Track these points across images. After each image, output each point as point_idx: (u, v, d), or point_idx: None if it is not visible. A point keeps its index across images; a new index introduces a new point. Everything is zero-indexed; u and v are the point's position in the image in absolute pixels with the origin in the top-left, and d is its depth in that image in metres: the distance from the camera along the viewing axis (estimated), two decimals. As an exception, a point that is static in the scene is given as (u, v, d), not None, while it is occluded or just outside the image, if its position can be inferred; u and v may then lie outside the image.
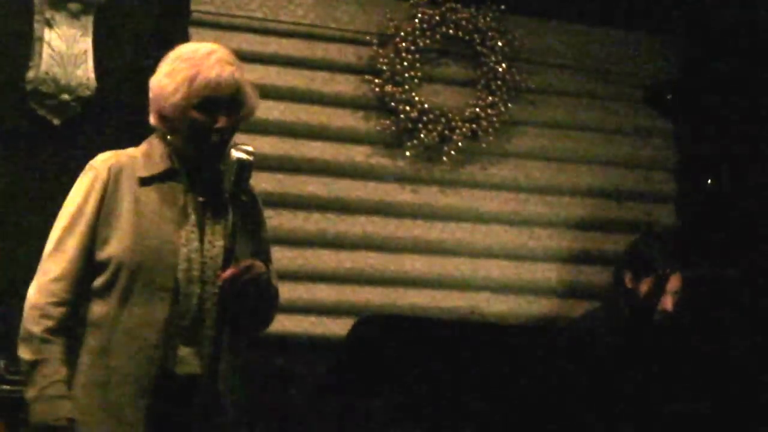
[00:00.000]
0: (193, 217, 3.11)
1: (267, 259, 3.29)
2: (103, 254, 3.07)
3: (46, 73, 4.90)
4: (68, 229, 3.10)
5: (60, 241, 3.10)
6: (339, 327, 5.13)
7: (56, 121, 4.96)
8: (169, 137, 3.18)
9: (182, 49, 3.18)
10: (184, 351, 3.04)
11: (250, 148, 3.12)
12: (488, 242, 5.62)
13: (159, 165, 3.16)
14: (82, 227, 3.09)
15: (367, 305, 5.25)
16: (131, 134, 4.96)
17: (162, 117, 3.16)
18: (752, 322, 5.23)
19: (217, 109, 3.10)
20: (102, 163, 3.17)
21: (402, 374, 4.31)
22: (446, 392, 4.34)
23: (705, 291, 5.28)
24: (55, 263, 3.08)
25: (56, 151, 4.94)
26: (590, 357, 4.58)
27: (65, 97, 4.93)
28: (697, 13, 5.83)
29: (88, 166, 3.18)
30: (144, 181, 3.13)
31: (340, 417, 4.21)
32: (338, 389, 4.33)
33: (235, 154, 3.09)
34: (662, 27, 5.91)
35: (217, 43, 3.29)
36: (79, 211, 3.10)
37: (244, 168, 3.09)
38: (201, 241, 3.10)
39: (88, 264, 3.08)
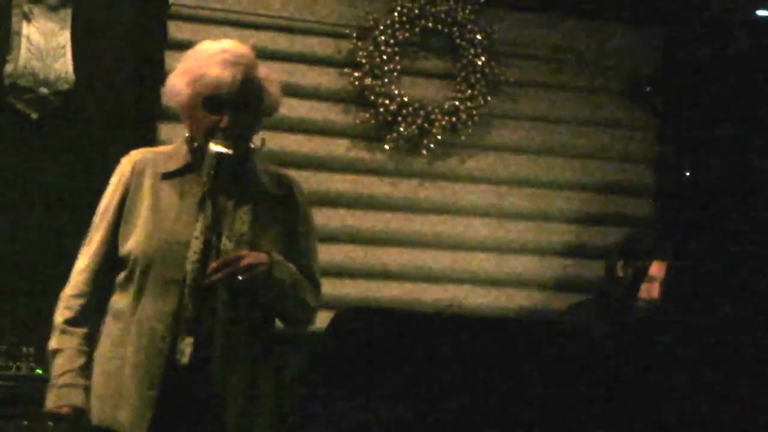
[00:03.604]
0: (209, 211, 3.11)
1: (305, 266, 3.29)
2: (124, 249, 3.14)
3: (25, 67, 4.89)
4: (96, 225, 3.20)
5: (89, 236, 3.21)
6: (318, 320, 5.12)
7: (35, 115, 4.95)
8: (187, 133, 3.21)
9: (198, 48, 3.21)
10: (187, 342, 3.05)
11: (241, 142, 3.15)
12: (468, 235, 5.63)
13: (180, 160, 3.20)
14: (105, 223, 3.18)
15: (347, 298, 5.25)
16: (110, 128, 5.02)
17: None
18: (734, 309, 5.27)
19: (221, 109, 3.11)
20: (128, 160, 3.24)
21: (381, 368, 4.32)
22: (426, 386, 4.35)
23: (689, 280, 5.31)
24: (81, 257, 3.20)
25: (35, 145, 4.94)
26: (577, 348, 4.60)
27: (44, 90, 4.92)
28: (678, 6, 5.84)
29: (119, 163, 3.25)
30: (165, 177, 3.18)
31: (319, 410, 4.21)
32: (317, 383, 4.33)
33: (213, 148, 3.09)
34: (643, 19, 5.92)
35: (203, 37, 3.33)
36: (106, 207, 3.20)
37: (222, 161, 3.09)
38: (218, 234, 3.10)
39: (110, 258, 3.17)
